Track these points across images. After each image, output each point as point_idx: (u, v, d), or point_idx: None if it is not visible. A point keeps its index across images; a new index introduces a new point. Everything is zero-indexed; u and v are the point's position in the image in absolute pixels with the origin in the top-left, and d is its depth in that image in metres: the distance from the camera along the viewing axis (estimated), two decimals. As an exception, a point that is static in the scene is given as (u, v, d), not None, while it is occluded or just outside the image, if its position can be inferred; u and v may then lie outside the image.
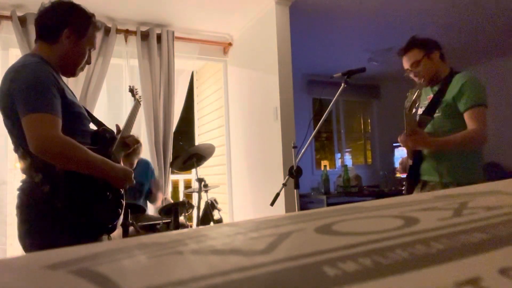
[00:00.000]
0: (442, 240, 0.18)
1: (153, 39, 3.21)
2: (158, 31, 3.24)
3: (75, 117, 1.35)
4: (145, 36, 3.22)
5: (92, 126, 1.50)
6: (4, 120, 1.29)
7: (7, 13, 2.75)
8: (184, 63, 3.55)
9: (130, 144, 1.56)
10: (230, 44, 3.60)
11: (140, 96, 1.86)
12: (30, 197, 1.27)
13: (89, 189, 1.31)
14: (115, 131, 1.58)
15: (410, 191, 1.90)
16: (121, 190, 1.42)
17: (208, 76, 4.13)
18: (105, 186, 1.34)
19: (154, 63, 3.21)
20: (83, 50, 1.42)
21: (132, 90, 1.89)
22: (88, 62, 1.48)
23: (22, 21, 2.77)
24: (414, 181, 1.89)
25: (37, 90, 1.21)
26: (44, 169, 1.24)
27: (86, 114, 1.44)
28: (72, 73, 1.44)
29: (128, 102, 3.23)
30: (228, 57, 3.67)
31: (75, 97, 1.44)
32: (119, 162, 1.47)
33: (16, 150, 1.30)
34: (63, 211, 1.24)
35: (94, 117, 1.54)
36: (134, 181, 1.45)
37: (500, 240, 0.18)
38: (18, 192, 1.31)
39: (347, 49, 4.12)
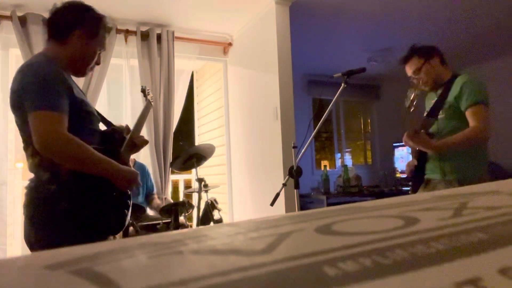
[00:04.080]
0: (442, 240, 0.18)
1: (153, 39, 3.21)
2: (158, 31, 3.24)
3: (84, 116, 1.34)
4: (145, 36, 3.22)
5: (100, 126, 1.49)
6: (15, 118, 1.31)
7: (7, 13, 2.75)
8: (184, 63, 3.55)
9: (139, 145, 1.54)
10: (230, 44, 3.60)
11: (152, 97, 1.84)
12: (37, 196, 1.27)
13: (95, 190, 1.30)
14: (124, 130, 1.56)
15: (415, 192, 1.93)
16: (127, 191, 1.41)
17: (208, 76, 4.13)
18: (111, 187, 1.33)
19: (154, 63, 3.21)
20: (93, 51, 1.43)
21: (144, 91, 1.87)
22: (98, 63, 1.48)
23: (22, 21, 2.76)
24: (419, 181, 1.92)
25: (43, 88, 1.22)
26: (51, 168, 1.24)
27: (96, 113, 1.43)
28: (82, 73, 1.45)
29: (128, 102, 3.24)
30: (228, 57, 3.67)
31: (85, 96, 1.43)
32: (127, 163, 1.45)
33: (25, 148, 1.30)
34: (68, 211, 1.23)
35: (103, 116, 1.53)
36: (141, 183, 1.44)
37: (500, 240, 0.18)
38: (26, 190, 1.30)
39: (347, 49, 4.12)
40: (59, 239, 1.22)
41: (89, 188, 1.28)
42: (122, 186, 1.35)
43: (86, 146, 1.23)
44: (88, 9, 1.42)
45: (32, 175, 1.32)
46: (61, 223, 1.24)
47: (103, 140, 1.41)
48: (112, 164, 1.31)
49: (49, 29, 1.38)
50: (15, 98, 1.26)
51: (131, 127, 1.56)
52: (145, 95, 1.84)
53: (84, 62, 1.42)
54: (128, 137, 1.49)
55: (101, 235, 1.35)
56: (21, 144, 1.33)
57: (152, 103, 1.82)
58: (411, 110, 1.76)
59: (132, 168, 1.42)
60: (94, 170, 1.27)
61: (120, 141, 1.46)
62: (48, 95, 1.22)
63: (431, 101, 1.96)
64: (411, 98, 1.76)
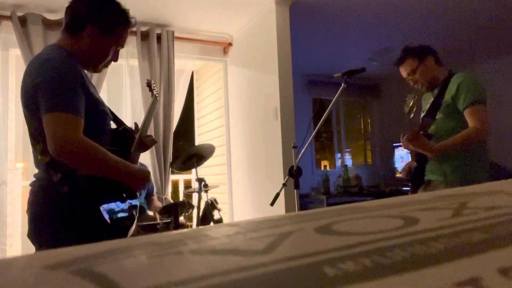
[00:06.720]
0: (442, 240, 0.18)
1: (153, 39, 3.21)
2: (158, 31, 3.24)
3: (99, 116, 1.30)
4: (145, 36, 3.22)
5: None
6: (25, 112, 1.24)
7: (7, 13, 2.75)
8: (184, 63, 3.55)
9: (148, 145, 1.51)
10: (230, 44, 3.60)
11: (157, 91, 1.74)
12: (46, 196, 1.22)
13: (108, 193, 1.27)
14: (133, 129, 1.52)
15: (415, 193, 1.92)
16: (136, 193, 1.39)
17: (208, 76, 4.13)
18: (122, 188, 1.30)
19: (154, 63, 3.21)
20: (106, 48, 1.34)
21: (149, 85, 1.77)
22: (114, 60, 1.40)
23: (22, 21, 2.76)
24: (418, 183, 1.91)
25: (61, 87, 1.16)
26: (64, 169, 1.18)
27: (109, 111, 1.39)
28: (94, 69, 1.38)
29: (128, 103, 3.24)
30: (228, 57, 3.67)
31: (98, 94, 1.38)
32: (136, 163, 1.42)
33: (34, 144, 1.24)
34: (81, 214, 1.20)
35: (115, 115, 1.48)
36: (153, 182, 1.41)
37: (500, 240, 0.18)
38: (32, 187, 1.26)
39: (347, 49, 4.12)
40: (67, 240, 1.18)
41: (102, 191, 1.25)
42: (135, 187, 1.32)
43: (102, 151, 1.19)
44: (107, 3, 1.32)
45: (36, 170, 1.27)
46: (71, 226, 1.21)
47: (114, 140, 1.37)
48: (128, 167, 1.27)
49: (64, 19, 1.30)
50: (29, 94, 1.19)
51: (139, 124, 1.52)
52: (150, 90, 1.76)
53: (95, 59, 1.34)
54: (137, 136, 1.45)
55: (112, 238, 1.32)
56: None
57: (158, 97, 1.74)
58: (411, 116, 1.76)
59: (143, 168, 1.40)
60: (109, 174, 1.24)
61: (130, 141, 1.42)
62: (65, 96, 1.15)
63: (427, 101, 1.95)
64: (411, 105, 1.76)
